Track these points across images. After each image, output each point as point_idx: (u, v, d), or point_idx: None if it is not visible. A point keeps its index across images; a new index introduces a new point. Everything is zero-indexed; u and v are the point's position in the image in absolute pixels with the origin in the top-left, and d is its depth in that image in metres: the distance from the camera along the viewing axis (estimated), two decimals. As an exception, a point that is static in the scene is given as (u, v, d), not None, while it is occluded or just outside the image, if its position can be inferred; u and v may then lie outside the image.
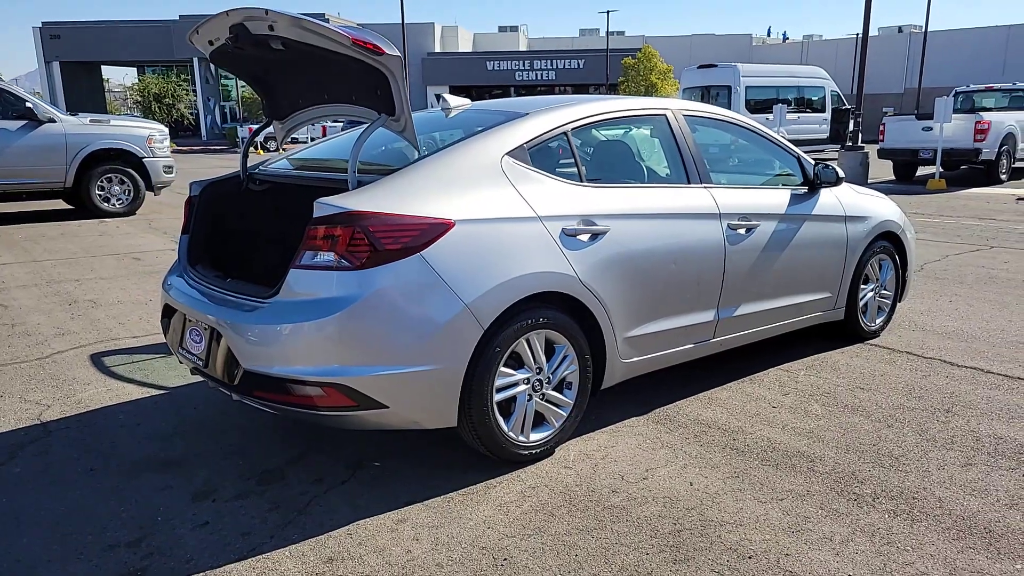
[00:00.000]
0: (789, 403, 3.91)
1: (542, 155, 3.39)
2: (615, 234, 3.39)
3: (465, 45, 58.86)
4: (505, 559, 2.59)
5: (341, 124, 23.96)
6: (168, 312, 3.57)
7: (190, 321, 3.30)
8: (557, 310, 3.22)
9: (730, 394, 4.05)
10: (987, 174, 14.85)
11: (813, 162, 4.53)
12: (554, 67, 49.81)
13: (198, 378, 4.35)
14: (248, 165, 3.92)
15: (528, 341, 3.15)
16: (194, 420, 3.87)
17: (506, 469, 3.22)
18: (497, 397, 3.10)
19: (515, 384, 3.17)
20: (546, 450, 3.30)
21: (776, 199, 4.21)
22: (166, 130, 12.39)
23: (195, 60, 49.05)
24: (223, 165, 25.30)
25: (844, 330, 4.90)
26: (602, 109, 3.68)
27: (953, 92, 16.93)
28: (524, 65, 50.07)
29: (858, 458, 3.27)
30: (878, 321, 5.04)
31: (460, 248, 2.94)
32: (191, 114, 51.02)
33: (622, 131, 4.46)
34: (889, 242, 4.95)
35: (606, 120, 3.70)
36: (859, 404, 3.88)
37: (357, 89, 3.25)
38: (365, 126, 3.08)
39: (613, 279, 3.37)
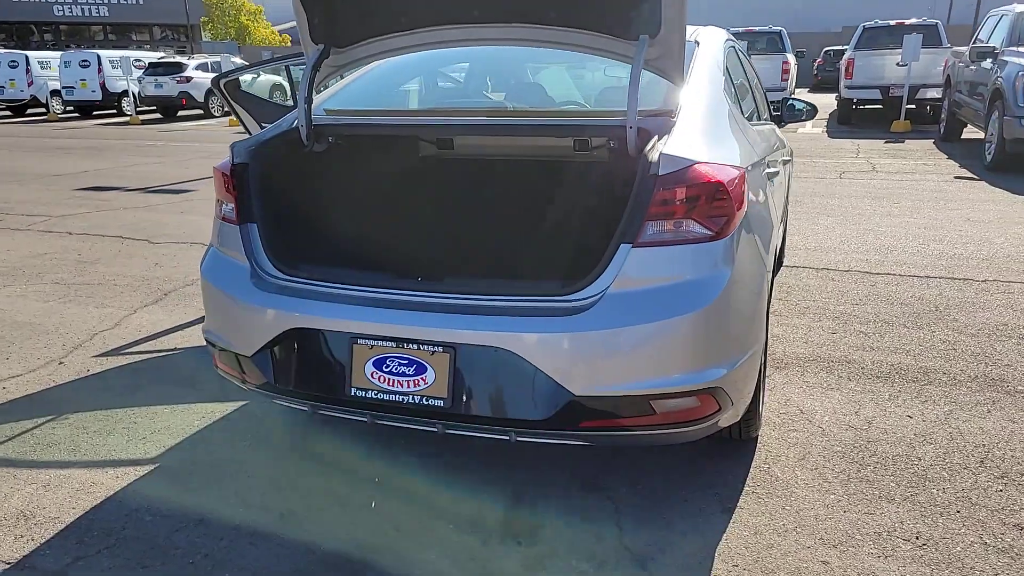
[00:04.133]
0: (839, 328, 4.17)
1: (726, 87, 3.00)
2: (773, 175, 3.21)
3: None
4: (917, 536, 2.37)
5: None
6: (278, 341, 2.40)
7: (382, 346, 2.28)
8: None
9: (783, 329, 4.16)
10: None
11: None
12: (106, 1, 42.95)
13: (170, 440, 3.07)
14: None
15: None
16: (288, 507, 2.72)
17: (725, 451, 2.89)
18: (755, 369, 2.76)
19: (756, 353, 2.86)
20: (755, 421, 3.05)
21: (779, 136, 4.35)
22: None
23: None
24: None
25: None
26: (722, 33, 3.37)
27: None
28: (65, -3, 42.26)
29: (976, 363, 3.64)
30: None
31: (750, 200, 2.50)
32: None
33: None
34: (786, 173, 5.48)
35: (730, 46, 3.40)
36: (884, 318, 4.29)
37: (584, 4, 2.43)
38: (636, 58, 2.36)
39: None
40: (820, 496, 2.60)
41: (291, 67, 5.02)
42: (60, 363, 3.92)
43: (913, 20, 15.98)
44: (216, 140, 15.39)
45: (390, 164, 2.96)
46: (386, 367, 2.28)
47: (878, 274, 5.14)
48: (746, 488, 2.65)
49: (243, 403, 3.40)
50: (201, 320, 4.47)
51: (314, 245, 2.65)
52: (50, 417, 3.32)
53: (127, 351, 4.06)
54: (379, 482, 2.76)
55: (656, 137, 2.27)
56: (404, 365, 2.26)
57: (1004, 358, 3.69)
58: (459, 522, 2.52)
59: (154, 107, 21.82)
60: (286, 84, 20.61)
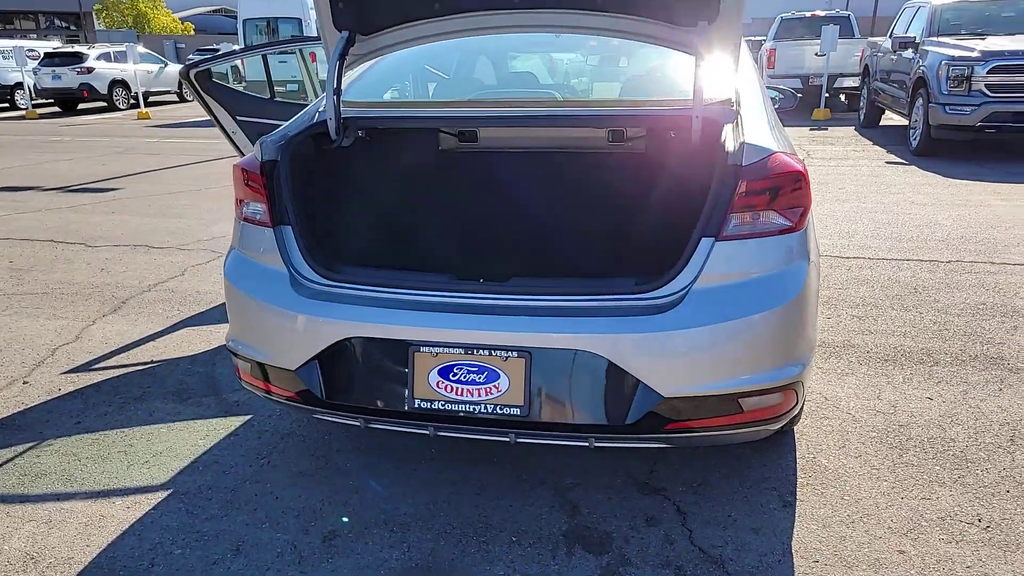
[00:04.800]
0: (832, 313, 4.23)
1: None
2: None
3: None
4: (979, 520, 2.41)
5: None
6: (328, 352, 2.22)
7: (449, 353, 2.13)
8: None
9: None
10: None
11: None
12: (-12, -10, 40.05)
13: (177, 463, 2.85)
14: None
15: None
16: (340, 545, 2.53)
17: (768, 443, 2.87)
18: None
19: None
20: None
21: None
22: None
23: None
24: None
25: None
26: None
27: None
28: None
29: (971, 342, 3.76)
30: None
31: None
32: None
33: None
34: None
35: None
36: (871, 301, 4.39)
37: None
38: (699, 45, 2.28)
39: None
40: (873, 483, 2.60)
41: (268, 56, 4.74)
42: (25, 382, 3.57)
43: (820, 12, 16.58)
44: (129, 135, 14.55)
45: (425, 158, 2.78)
46: (453, 375, 2.14)
47: (850, 258, 5.27)
48: (800, 480, 2.63)
49: (247, 417, 3.17)
50: (172, 329, 4.18)
51: (354, 247, 2.46)
52: (30, 444, 3.01)
53: (98, 366, 3.73)
54: (421, 494, 2.60)
55: (727, 126, 2.20)
56: (474, 372, 2.12)
57: (995, 336, 3.82)
58: (519, 533, 2.40)
59: (51, 100, 20.46)
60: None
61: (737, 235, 2.08)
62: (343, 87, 2.87)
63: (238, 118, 4.13)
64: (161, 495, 2.65)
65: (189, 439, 3.02)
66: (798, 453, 2.80)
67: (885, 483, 2.61)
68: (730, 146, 2.12)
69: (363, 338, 2.19)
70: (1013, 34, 9.39)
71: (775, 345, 2.09)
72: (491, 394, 2.12)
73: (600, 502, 2.54)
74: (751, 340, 2.05)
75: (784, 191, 2.10)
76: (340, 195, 2.58)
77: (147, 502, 2.61)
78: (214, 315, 4.40)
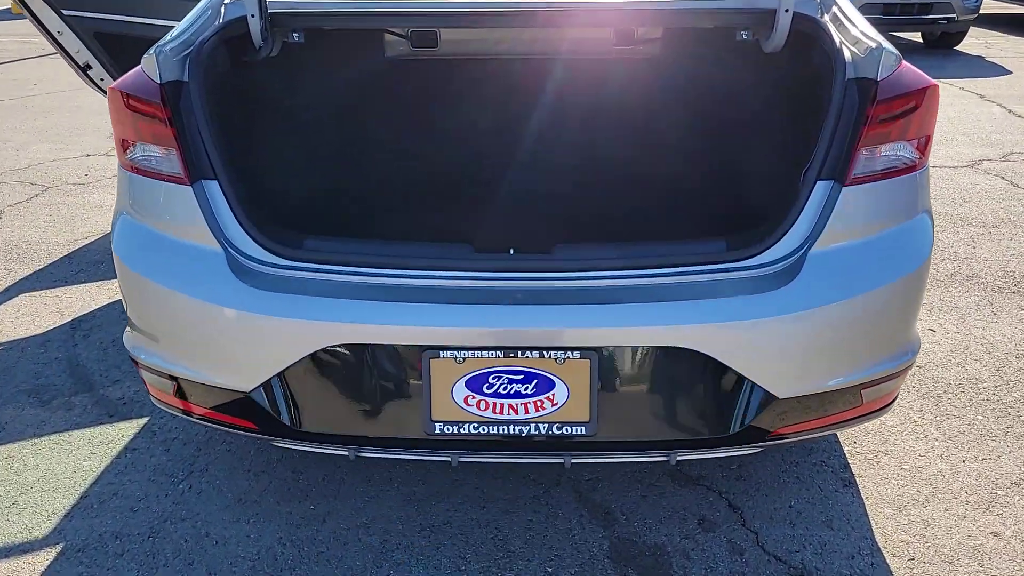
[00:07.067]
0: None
1: None
2: None
3: None
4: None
5: None
6: (298, 365, 1.55)
7: (480, 357, 1.53)
8: None
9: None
10: None
11: None
12: None
13: (60, 501, 2.16)
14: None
15: None
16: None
17: None
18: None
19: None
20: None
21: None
22: None
23: None
24: None
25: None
26: None
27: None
28: None
29: (940, 260, 3.55)
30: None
31: None
32: None
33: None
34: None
35: None
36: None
37: None
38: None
39: None
40: (924, 444, 2.30)
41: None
42: None
43: None
44: None
45: (395, 73, 2.01)
46: (488, 387, 1.54)
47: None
48: (846, 449, 2.28)
49: (143, 421, 2.42)
50: (2, 297, 3.23)
51: (308, 208, 1.74)
52: None
53: (-91, 358, 2.77)
54: (411, 517, 2.02)
55: (829, 24, 1.66)
56: (518, 382, 1.53)
57: (959, 251, 3.65)
58: (553, 559, 1.90)
59: None
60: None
61: (865, 176, 1.57)
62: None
63: (64, 13, 3.10)
64: (47, 555, 1.90)
65: (69, 461, 2.24)
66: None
67: (937, 443, 2.31)
68: (848, 54, 1.58)
69: (352, 344, 1.53)
70: None
71: (906, 320, 1.65)
72: (544, 409, 1.54)
73: (635, 503, 2.07)
74: (885, 316, 1.60)
75: (918, 113, 1.60)
76: (274, 131, 1.82)
77: (27, 569, 1.86)
78: (57, 273, 3.46)
